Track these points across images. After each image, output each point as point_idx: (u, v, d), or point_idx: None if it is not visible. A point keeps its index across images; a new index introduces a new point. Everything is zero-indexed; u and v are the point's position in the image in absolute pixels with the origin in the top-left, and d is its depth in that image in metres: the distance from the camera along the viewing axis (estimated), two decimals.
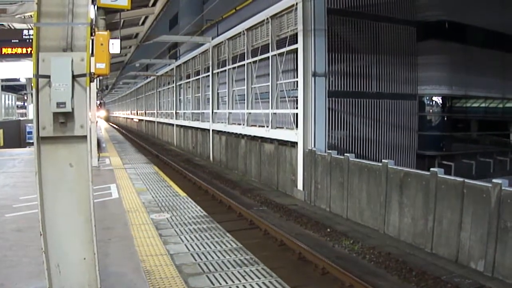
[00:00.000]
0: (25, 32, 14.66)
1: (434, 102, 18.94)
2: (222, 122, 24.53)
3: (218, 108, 25.76)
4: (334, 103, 15.64)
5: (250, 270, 6.30)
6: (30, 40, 13.93)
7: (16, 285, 5.60)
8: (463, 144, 19.88)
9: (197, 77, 29.95)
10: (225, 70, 23.73)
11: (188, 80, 32.69)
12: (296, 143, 15.88)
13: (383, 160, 12.14)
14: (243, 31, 20.86)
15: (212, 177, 20.75)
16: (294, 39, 16.06)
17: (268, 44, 18.16)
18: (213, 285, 5.77)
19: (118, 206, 10.19)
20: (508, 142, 22.20)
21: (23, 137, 28.45)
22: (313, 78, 15.16)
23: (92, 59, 4.45)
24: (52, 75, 4.11)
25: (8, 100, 45.16)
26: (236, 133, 22.20)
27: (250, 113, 20.61)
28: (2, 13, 15.65)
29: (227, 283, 5.84)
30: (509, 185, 8.70)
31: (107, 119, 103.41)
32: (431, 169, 10.59)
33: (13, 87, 47.69)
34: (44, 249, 4.20)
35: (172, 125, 38.41)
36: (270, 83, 18.02)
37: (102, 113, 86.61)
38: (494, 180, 8.86)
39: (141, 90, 57.42)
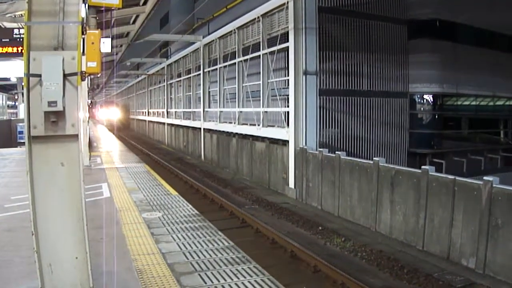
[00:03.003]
0: (16, 31, 14.58)
1: (425, 100, 19.02)
2: (213, 121, 24.50)
3: (209, 107, 25.72)
4: (325, 101, 15.66)
5: (242, 268, 6.30)
6: (21, 39, 13.87)
7: (8, 285, 5.58)
8: (454, 142, 19.99)
9: (188, 76, 29.90)
10: (216, 69, 23.72)
11: (179, 79, 32.64)
12: (287, 141, 15.89)
13: (374, 158, 12.18)
14: (234, 29, 20.83)
15: (203, 176, 20.73)
16: (285, 37, 16.07)
17: (259, 42, 18.15)
18: (205, 283, 5.77)
19: (110, 205, 10.15)
20: (498, 140, 22.34)
21: (14, 136, 28.26)
22: (304, 77, 15.17)
23: (83, 58, 4.43)
24: (43, 74, 4.09)
25: None
26: (227, 132, 22.19)
27: (241, 111, 20.61)
28: None
29: (219, 281, 5.84)
30: (500, 182, 8.76)
31: (126, 125, 59.21)
32: (422, 167, 10.65)
33: (4, 87, 47.37)
34: (36, 248, 4.19)
35: (163, 124, 38.34)
36: (261, 82, 18.02)
37: (115, 112, 56.08)
38: (485, 178, 8.91)
39: (132, 89, 57.22)
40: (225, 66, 22.56)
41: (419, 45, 18.23)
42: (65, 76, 4.16)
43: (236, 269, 6.26)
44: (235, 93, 21.05)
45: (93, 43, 4.50)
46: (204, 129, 26.07)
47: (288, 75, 15.91)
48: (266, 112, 18.01)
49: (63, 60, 4.16)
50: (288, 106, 15.94)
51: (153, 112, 44.04)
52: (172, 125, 35.34)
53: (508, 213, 8.39)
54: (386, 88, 17.37)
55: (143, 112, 50.09)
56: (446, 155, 18.75)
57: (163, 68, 37.78)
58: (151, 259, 6.63)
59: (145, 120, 49.16)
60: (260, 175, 18.74)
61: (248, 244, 9.97)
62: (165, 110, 37.41)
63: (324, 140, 15.68)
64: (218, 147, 23.98)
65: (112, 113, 53.73)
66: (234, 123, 20.99)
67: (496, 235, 8.56)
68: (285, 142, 16.24)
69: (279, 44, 16.40)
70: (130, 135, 51.28)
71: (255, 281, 5.85)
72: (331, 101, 15.79)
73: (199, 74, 26.60)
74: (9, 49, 14.38)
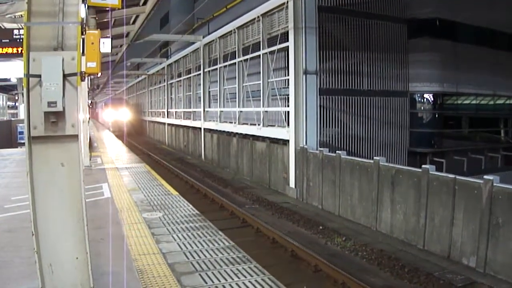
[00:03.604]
0: (16, 32, 14.58)
1: (425, 99, 18.99)
2: (214, 121, 24.49)
3: (209, 107, 25.71)
4: (325, 100, 15.65)
5: (243, 268, 6.29)
6: (21, 40, 13.87)
7: (8, 285, 5.57)
8: (454, 141, 19.94)
9: (188, 76, 29.91)
10: (216, 69, 23.72)
11: (179, 79, 32.65)
12: (288, 141, 15.89)
13: (374, 157, 12.17)
14: (234, 29, 20.83)
15: (204, 176, 20.73)
16: (285, 37, 16.07)
17: (259, 42, 18.14)
18: (206, 283, 5.76)
19: (110, 205, 10.14)
20: (499, 139, 22.31)
21: (14, 137, 28.23)
22: (304, 76, 15.17)
23: (83, 58, 4.43)
24: (43, 75, 4.09)
25: None
26: (228, 132, 22.18)
27: (241, 111, 20.60)
28: None
29: (219, 281, 5.83)
30: (500, 181, 8.75)
31: (137, 129, 49.81)
32: (423, 166, 10.65)
33: (4, 87, 47.33)
34: (36, 249, 4.18)
35: (164, 124, 38.31)
36: (261, 81, 18.01)
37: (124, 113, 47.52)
38: (486, 177, 8.91)
39: (132, 89, 57.18)
40: (225, 66, 22.56)
41: (419, 44, 18.21)
42: (65, 76, 4.16)
43: (237, 269, 6.25)
44: (235, 93, 21.04)
45: (92, 43, 4.50)
46: (204, 129, 26.07)
47: (288, 75, 15.90)
48: (266, 111, 18.01)
49: (62, 60, 4.15)
50: (288, 106, 15.93)
51: (153, 112, 44.00)
52: (172, 125, 35.32)
53: (509, 212, 8.39)
54: (386, 87, 17.36)
55: (143, 112, 50.05)
56: (447, 154, 18.73)
57: (163, 68, 37.78)
58: (152, 259, 6.62)
59: (145, 120, 49.14)
60: (261, 175, 18.73)
61: (248, 244, 9.97)
62: (165, 110, 37.40)
63: (325, 139, 15.67)
64: (219, 147, 23.97)
65: (119, 114, 50.36)
66: (235, 122, 20.99)
67: (497, 234, 8.56)
68: (285, 142, 16.24)
69: (279, 43, 16.39)
70: (131, 136, 51.11)
71: (256, 280, 5.85)
72: (331, 100, 15.78)
73: (199, 74, 26.59)
74: (9, 50, 14.38)
